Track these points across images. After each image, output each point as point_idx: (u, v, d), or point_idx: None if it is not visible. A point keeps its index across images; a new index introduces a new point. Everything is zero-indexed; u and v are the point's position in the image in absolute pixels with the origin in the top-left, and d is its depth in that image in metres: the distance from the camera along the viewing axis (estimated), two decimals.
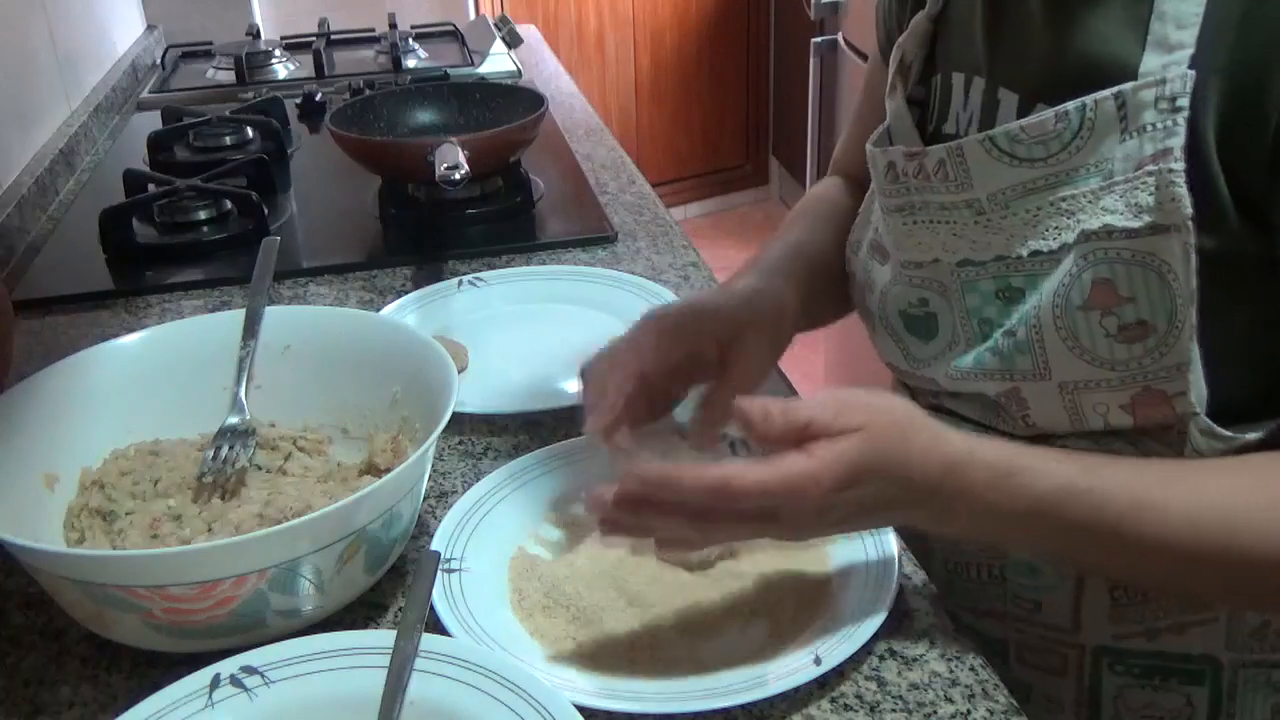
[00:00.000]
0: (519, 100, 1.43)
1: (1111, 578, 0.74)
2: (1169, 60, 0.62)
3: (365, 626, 0.71)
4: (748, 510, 0.61)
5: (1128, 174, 0.63)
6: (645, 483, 0.61)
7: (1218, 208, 0.62)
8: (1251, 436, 0.66)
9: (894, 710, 0.64)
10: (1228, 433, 0.65)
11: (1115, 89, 0.63)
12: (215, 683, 0.61)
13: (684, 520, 0.61)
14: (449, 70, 1.92)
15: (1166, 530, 0.62)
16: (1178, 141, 0.61)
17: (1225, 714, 0.77)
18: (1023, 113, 0.70)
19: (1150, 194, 0.62)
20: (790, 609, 0.70)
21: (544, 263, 1.23)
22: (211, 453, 0.80)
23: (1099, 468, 0.64)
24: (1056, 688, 0.80)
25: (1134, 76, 0.63)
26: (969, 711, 0.63)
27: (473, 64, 1.99)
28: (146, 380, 0.83)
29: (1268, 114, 0.60)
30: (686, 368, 0.76)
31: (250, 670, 0.62)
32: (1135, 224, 0.63)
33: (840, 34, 2.86)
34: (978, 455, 0.63)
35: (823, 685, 0.65)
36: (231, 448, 0.80)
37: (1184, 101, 0.61)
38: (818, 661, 0.64)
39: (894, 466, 0.62)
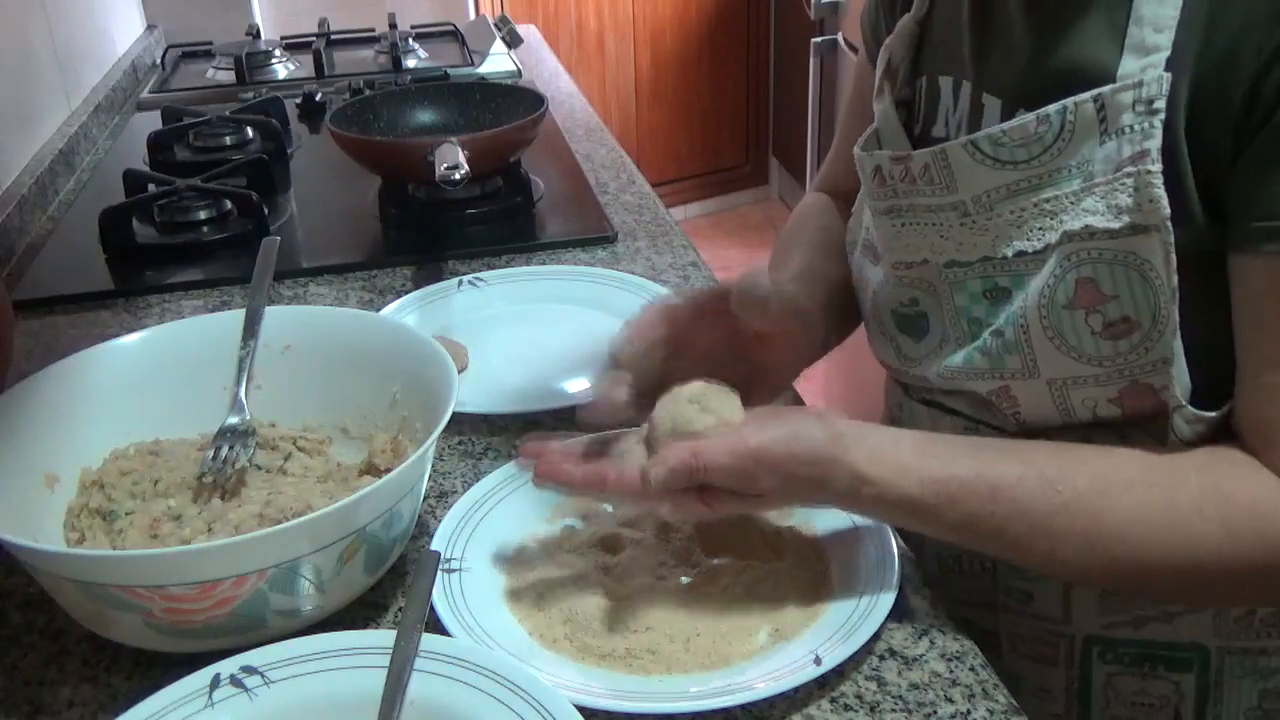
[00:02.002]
0: (519, 100, 1.43)
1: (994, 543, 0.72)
2: (1146, 63, 0.63)
3: (365, 626, 0.71)
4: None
5: (1107, 175, 0.64)
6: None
7: (1188, 206, 0.63)
8: (1217, 414, 0.67)
9: (894, 710, 0.64)
10: (1211, 414, 0.67)
11: (1095, 92, 0.64)
12: (215, 683, 0.61)
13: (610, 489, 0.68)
14: (449, 70, 1.92)
15: (1072, 534, 0.65)
16: (1155, 143, 0.62)
17: (1213, 700, 0.78)
18: (1005, 117, 0.71)
19: (1129, 195, 0.63)
20: (790, 609, 0.70)
21: (544, 263, 1.23)
22: (211, 453, 0.80)
23: (1012, 455, 0.68)
24: (1048, 677, 0.82)
25: (1112, 80, 0.64)
26: (969, 711, 0.63)
27: (473, 64, 1.99)
28: (146, 380, 0.83)
29: (1231, 110, 0.61)
30: (722, 344, 0.77)
31: (250, 670, 0.62)
32: (1115, 224, 0.64)
33: (840, 34, 2.87)
34: (887, 457, 0.67)
35: (823, 685, 0.65)
36: (231, 448, 0.80)
37: (1161, 104, 0.62)
38: (818, 661, 0.64)
39: (804, 465, 0.67)
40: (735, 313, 0.74)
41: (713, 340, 0.76)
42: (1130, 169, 0.63)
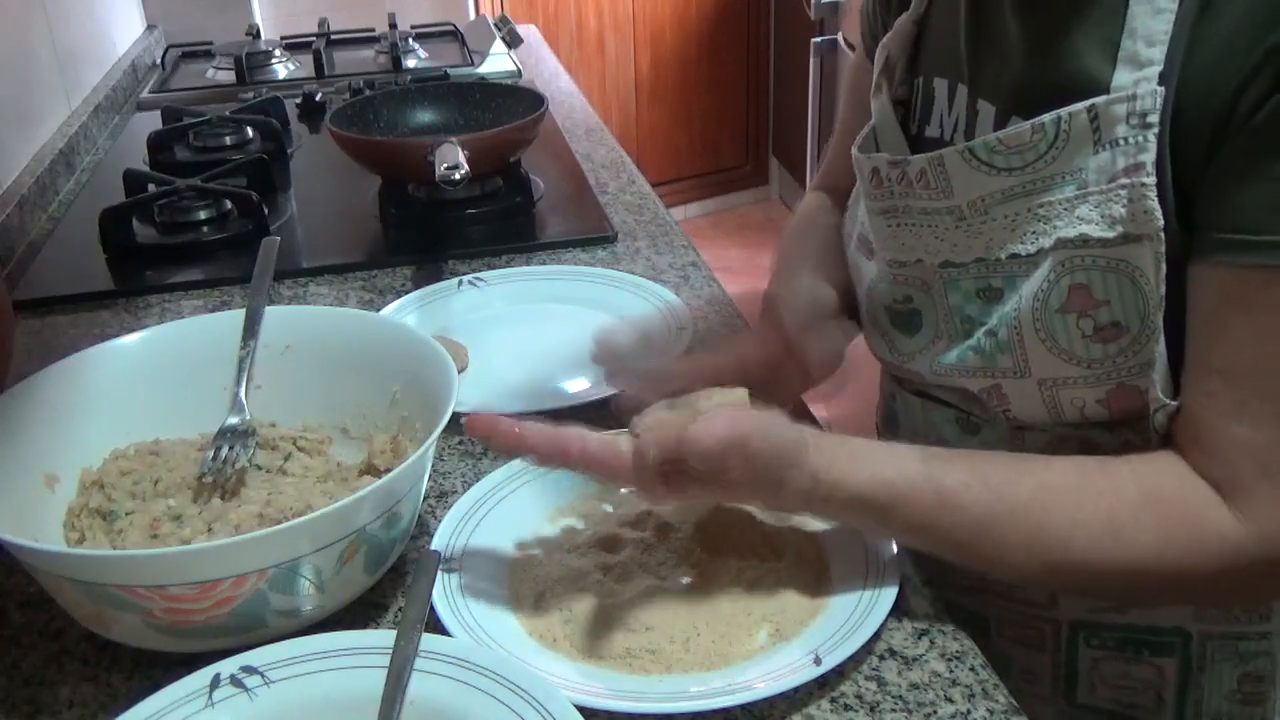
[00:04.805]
0: (519, 100, 1.43)
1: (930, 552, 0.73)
2: (1139, 76, 0.64)
3: (365, 626, 0.71)
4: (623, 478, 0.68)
5: (1101, 185, 0.65)
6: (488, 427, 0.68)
7: (1167, 215, 0.64)
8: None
9: (894, 710, 0.64)
10: None
11: (1088, 102, 0.65)
12: (215, 683, 0.61)
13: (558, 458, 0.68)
14: (449, 70, 1.92)
15: (1014, 536, 0.66)
16: (1149, 157, 0.63)
17: (1195, 684, 0.81)
18: (999, 125, 0.72)
19: (1123, 206, 0.64)
20: (790, 609, 0.70)
21: (544, 263, 1.23)
22: (211, 453, 0.80)
23: (958, 463, 0.69)
24: (1035, 660, 0.84)
25: (1105, 91, 0.65)
26: (969, 711, 0.63)
27: (473, 64, 1.99)
28: (146, 380, 0.83)
29: (1207, 127, 0.62)
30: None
31: (250, 670, 0.62)
32: (1109, 234, 0.65)
33: (840, 34, 2.87)
34: (837, 464, 0.68)
35: (823, 685, 0.65)
36: (231, 448, 0.80)
37: (1154, 118, 0.63)
38: (818, 661, 0.64)
39: (767, 464, 0.67)
40: (813, 376, 0.82)
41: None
42: (1125, 180, 0.64)
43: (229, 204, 1.33)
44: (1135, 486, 0.66)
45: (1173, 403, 0.67)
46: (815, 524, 0.77)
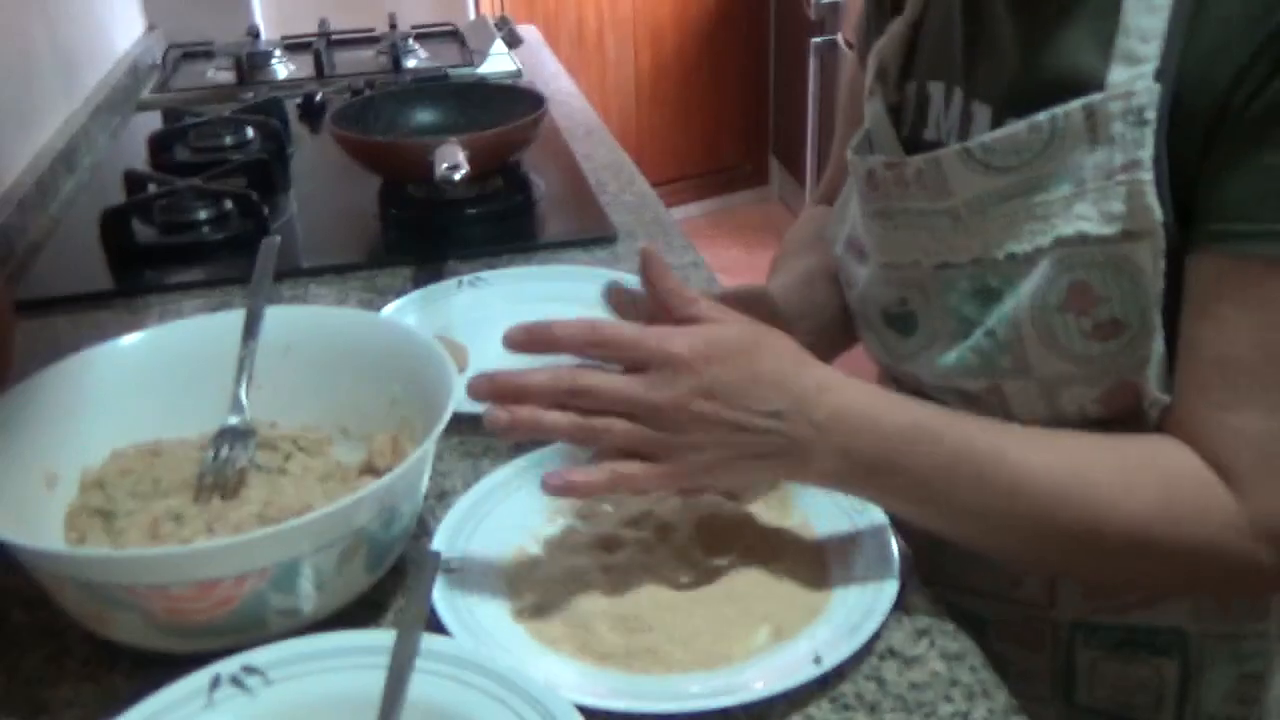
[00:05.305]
0: (519, 100, 1.43)
1: (967, 535, 0.72)
2: (1135, 73, 0.64)
3: (365, 626, 0.71)
4: (621, 389, 0.64)
5: (1099, 182, 0.65)
6: (523, 331, 0.66)
7: (1164, 210, 0.64)
8: None
9: (894, 710, 0.64)
10: None
11: (1084, 100, 0.65)
12: (215, 683, 0.61)
13: (558, 390, 0.65)
14: (449, 70, 1.92)
15: (1023, 471, 0.65)
16: (1146, 153, 0.63)
17: (1193, 684, 0.80)
18: (995, 124, 0.72)
19: (1121, 202, 0.64)
20: (790, 609, 0.70)
21: (544, 263, 1.22)
22: (211, 453, 0.80)
23: (968, 415, 0.69)
24: (1033, 661, 0.83)
25: (1101, 88, 0.65)
26: (969, 711, 0.63)
27: (473, 64, 1.99)
28: (146, 380, 0.83)
29: (1202, 121, 0.62)
30: None
31: (250, 670, 0.62)
32: (1108, 230, 0.65)
33: (840, 34, 2.87)
34: (851, 381, 0.68)
35: (823, 685, 0.65)
36: (231, 448, 0.80)
37: (1151, 114, 0.63)
38: (818, 661, 0.64)
39: (769, 357, 0.67)
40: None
41: None
42: (1122, 177, 0.64)
43: (229, 204, 1.33)
44: (1138, 447, 0.66)
45: (1167, 398, 0.67)
46: (815, 524, 0.77)
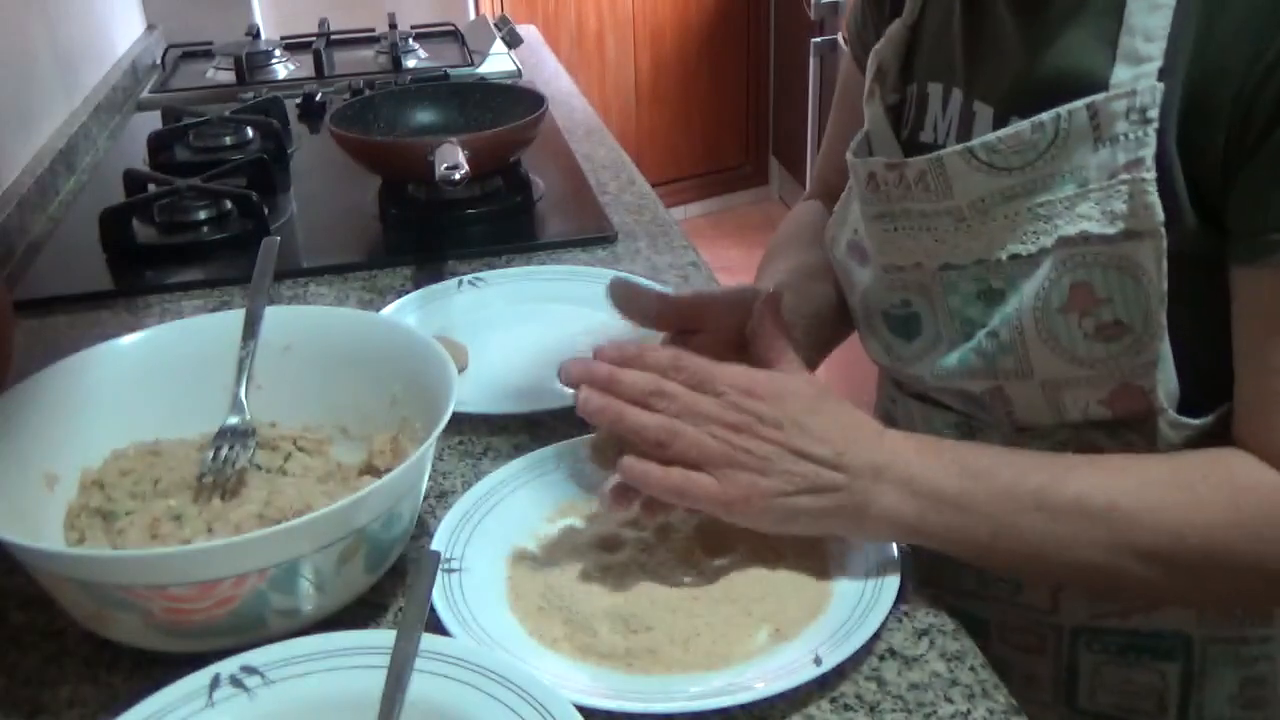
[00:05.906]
0: (519, 100, 1.43)
1: (1026, 567, 0.73)
2: (1138, 72, 0.64)
3: (365, 626, 0.71)
4: (699, 399, 0.68)
5: (1102, 182, 0.65)
6: (616, 348, 0.70)
7: (1179, 211, 0.64)
8: (1202, 421, 0.69)
9: (894, 710, 0.64)
10: (1195, 421, 0.68)
11: (1088, 100, 0.65)
12: (215, 683, 0.61)
13: (645, 389, 0.68)
14: (449, 70, 1.92)
15: (1084, 494, 0.65)
16: (1149, 152, 0.63)
17: (1196, 688, 0.80)
18: (997, 125, 0.72)
19: (1124, 202, 0.64)
20: (790, 609, 0.70)
21: (544, 263, 1.23)
22: (211, 453, 0.80)
23: (1018, 451, 0.70)
24: (1036, 666, 0.83)
25: (1104, 88, 0.65)
26: (969, 711, 0.63)
27: (473, 64, 1.99)
28: (146, 380, 0.83)
29: (1222, 118, 0.61)
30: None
31: (250, 670, 0.62)
32: (1110, 230, 0.65)
33: (840, 34, 2.86)
34: (909, 433, 0.72)
35: (823, 685, 0.65)
36: (231, 448, 0.80)
37: (1154, 113, 0.63)
38: (818, 661, 0.64)
39: (833, 402, 0.70)
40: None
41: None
42: (1125, 176, 0.64)
43: (229, 204, 1.33)
44: (1199, 458, 0.66)
45: (1182, 417, 0.67)
46: None
